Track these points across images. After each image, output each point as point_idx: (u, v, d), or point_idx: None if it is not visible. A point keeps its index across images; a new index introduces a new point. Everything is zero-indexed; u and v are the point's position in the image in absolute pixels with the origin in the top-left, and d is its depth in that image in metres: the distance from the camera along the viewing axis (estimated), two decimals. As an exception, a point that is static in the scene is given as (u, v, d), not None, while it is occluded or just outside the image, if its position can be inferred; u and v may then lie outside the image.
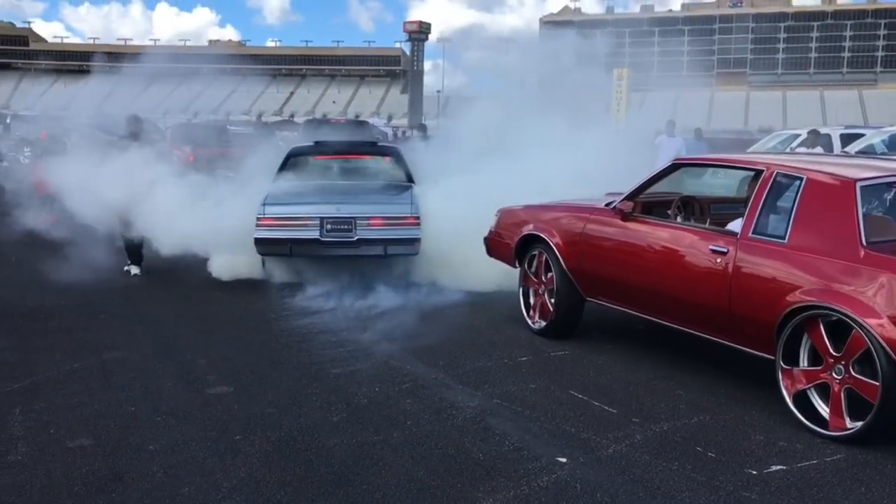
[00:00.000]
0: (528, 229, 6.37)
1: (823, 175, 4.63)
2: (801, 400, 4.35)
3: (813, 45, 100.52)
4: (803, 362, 4.36)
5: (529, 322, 6.36)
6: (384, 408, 4.72)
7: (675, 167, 5.69)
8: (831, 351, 4.19)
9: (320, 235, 7.92)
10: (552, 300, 6.11)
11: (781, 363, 4.43)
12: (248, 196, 8.38)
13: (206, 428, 4.40)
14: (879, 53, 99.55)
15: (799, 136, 16.31)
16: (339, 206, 8.11)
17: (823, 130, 16.39)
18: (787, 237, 4.52)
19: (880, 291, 3.96)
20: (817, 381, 4.28)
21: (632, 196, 5.69)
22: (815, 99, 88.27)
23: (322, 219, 7.94)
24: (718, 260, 4.81)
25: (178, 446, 4.15)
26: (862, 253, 4.14)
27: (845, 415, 4.13)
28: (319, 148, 10.11)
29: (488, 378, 5.26)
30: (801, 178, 4.66)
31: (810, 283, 4.28)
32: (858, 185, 4.41)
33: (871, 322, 3.96)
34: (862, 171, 4.75)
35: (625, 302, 5.71)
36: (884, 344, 3.91)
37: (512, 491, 3.64)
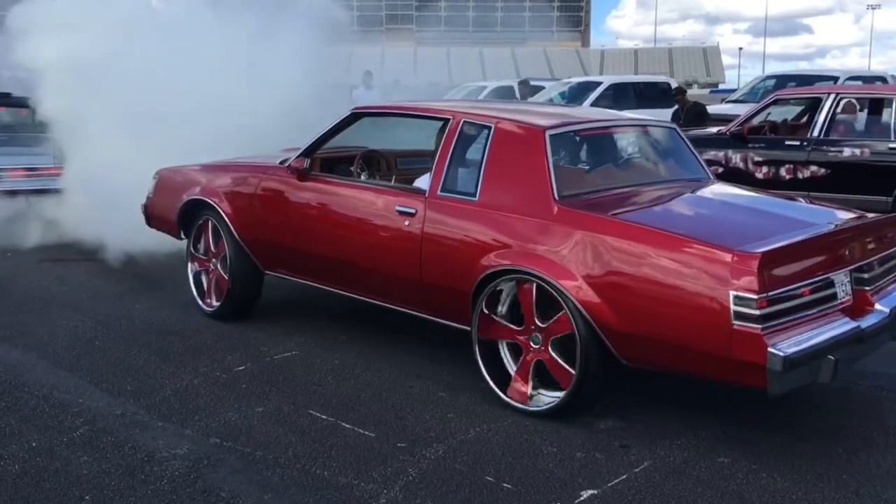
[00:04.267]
0: (192, 194, 5.39)
1: (512, 124, 4.16)
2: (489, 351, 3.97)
3: (471, 4, 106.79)
4: (501, 310, 3.90)
5: (203, 305, 5.42)
6: (46, 475, 3.24)
7: (355, 116, 4.93)
8: (536, 320, 3.75)
9: None
10: (226, 274, 5.22)
11: (478, 336, 3.95)
12: None
13: None
14: (527, 14, 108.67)
15: (486, 87, 16.44)
16: None
17: (507, 83, 16.70)
18: (477, 194, 4.03)
19: (575, 250, 3.59)
20: (512, 341, 3.88)
21: (308, 151, 4.90)
22: (475, 55, 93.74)
23: None
24: (406, 222, 4.22)
25: None
26: (555, 209, 3.76)
27: (529, 386, 3.81)
28: None
29: (197, 404, 3.96)
30: (489, 128, 4.15)
31: (504, 245, 3.83)
32: (548, 133, 4.00)
33: (566, 284, 3.57)
34: (552, 119, 4.33)
35: (309, 274, 4.95)
36: (580, 306, 3.53)
37: None
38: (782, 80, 12.76)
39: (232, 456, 3.42)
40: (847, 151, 7.31)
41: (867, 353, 3.67)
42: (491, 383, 3.91)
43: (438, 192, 4.16)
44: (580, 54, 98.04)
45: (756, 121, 8.14)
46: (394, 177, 5.17)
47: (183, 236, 5.62)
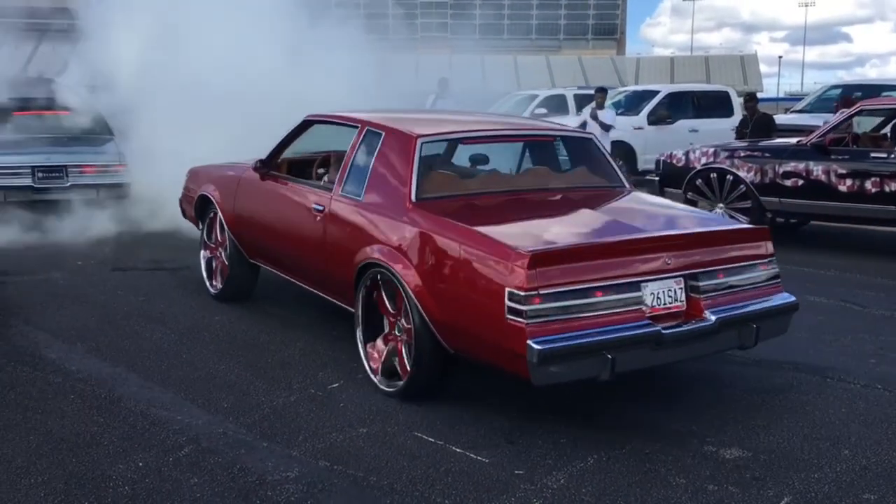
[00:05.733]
0: (202, 190, 6.17)
1: (397, 132, 4.59)
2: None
3: (505, 12, 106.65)
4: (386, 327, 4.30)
5: (210, 288, 6.12)
6: (159, 497, 3.15)
7: (307, 124, 5.47)
8: (390, 309, 4.19)
9: (33, 182, 8.69)
10: (227, 261, 5.93)
11: (361, 323, 4.39)
12: None
13: None
14: (562, 22, 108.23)
15: (537, 96, 16.28)
16: (50, 155, 8.88)
17: (559, 91, 16.52)
18: (362, 194, 4.52)
19: (413, 246, 4.00)
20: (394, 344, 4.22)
21: (273, 154, 5.54)
22: (509, 63, 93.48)
23: (34, 167, 8.70)
24: (317, 218, 4.78)
25: None
26: (409, 208, 4.18)
27: (383, 356, 4.23)
28: (16, 103, 10.07)
29: (298, 423, 3.85)
30: (380, 135, 4.63)
31: (373, 240, 4.27)
32: (419, 140, 4.42)
33: (405, 276, 3.97)
34: (437, 128, 4.90)
35: (271, 263, 5.55)
36: (413, 296, 3.90)
37: None
38: (848, 90, 12.44)
39: (345, 481, 3.30)
40: (938, 165, 7.04)
41: (687, 356, 3.92)
42: (361, 350, 4.37)
43: (339, 192, 4.66)
44: (615, 62, 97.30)
45: (837, 132, 7.88)
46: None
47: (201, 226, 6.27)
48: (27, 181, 8.68)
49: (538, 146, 5.17)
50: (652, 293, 3.62)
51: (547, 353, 3.31)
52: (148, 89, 10.03)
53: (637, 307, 3.57)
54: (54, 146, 9.26)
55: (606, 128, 11.04)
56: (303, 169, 5.62)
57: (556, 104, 15.73)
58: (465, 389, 4.28)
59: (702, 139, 11.50)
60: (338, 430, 3.77)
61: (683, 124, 13.24)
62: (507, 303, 3.39)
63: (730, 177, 8.31)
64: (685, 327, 3.65)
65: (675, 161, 8.91)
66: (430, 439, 3.68)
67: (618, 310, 3.52)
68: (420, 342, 3.90)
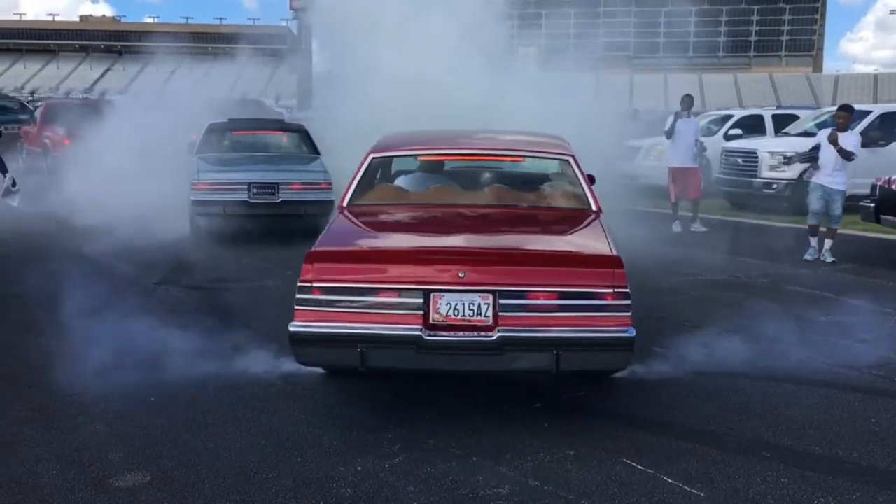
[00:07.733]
0: None
1: (373, 148, 5.36)
2: None
3: (691, 29, 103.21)
4: None
5: None
6: (379, 501, 3.28)
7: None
8: None
9: (248, 198, 9.39)
10: None
11: None
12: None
13: (116, 561, 2.86)
14: (752, 38, 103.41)
15: (731, 116, 15.65)
16: (264, 173, 9.63)
17: (756, 111, 15.80)
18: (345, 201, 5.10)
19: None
20: None
21: None
22: (693, 81, 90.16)
23: (249, 184, 9.42)
24: None
25: None
26: (340, 210, 4.92)
27: None
28: (235, 124, 11.07)
29: (506, 441, 3.89)
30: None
31: None
32: (371, 156, 5.24)
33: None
34: (403, 145, 5.62)
35: None
36: None
37: None
38: None
39: (557, 502, 3.29)
40: None
41: (464, 367, 4.02)
42: None
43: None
44: (811, 80, 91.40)
45: None
46: None
47: None
48: (243, 196, 9.40)
49: (511, 165, 5.79)
50: (448, 304, 3.80)
51: (297, 335, 3.84)
52: (351, 109, 10.73)
53: (417, 312, 3.78)
54: (268, 164, 10.07)
55: (848, 155, 8.30)
56: None
57: (753, 125, 15.02)
58: (676, 419, 4.17)
59: (920, 163, 10.58)
60: (545, 451, 3.77)
61: (898, 147, 12.25)
62: (296, 293, 3.89)
63: (958, 205, 7.61)
64: (451, 337, 3.78)
65: (894, 186, 8.26)
66: (640, 467, 3.60)
67: (393, 311, 3.81)
68: None
